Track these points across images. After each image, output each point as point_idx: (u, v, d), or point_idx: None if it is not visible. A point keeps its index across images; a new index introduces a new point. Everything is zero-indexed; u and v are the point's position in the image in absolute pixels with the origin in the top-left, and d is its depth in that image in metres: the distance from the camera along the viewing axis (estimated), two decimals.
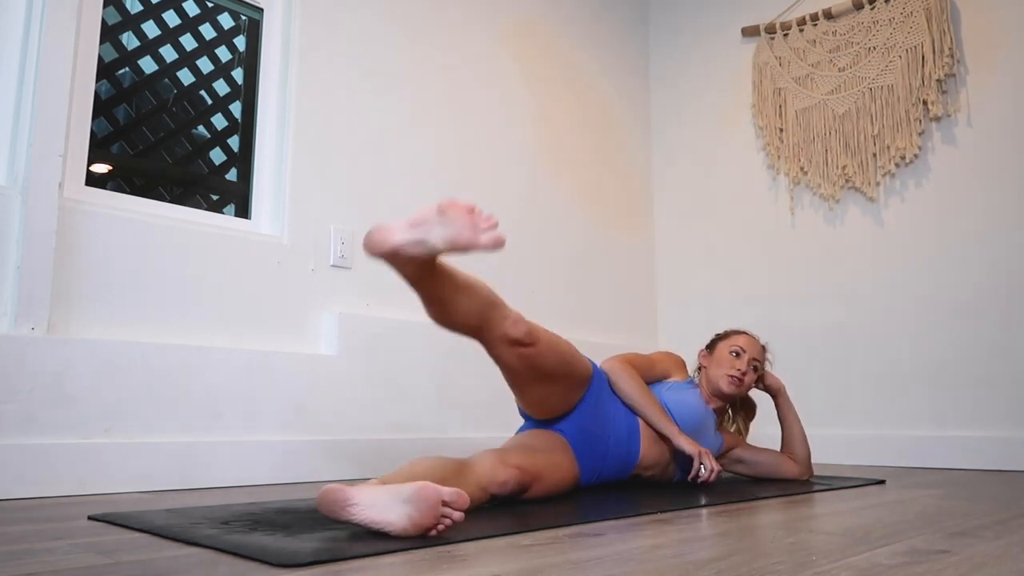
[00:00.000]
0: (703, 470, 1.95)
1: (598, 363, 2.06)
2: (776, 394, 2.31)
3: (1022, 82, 2.90)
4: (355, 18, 2.76)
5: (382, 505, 1.19)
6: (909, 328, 3.05)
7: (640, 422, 2.01)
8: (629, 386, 2.01)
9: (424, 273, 1.51)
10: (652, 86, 4.01)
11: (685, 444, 1.98)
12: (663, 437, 2.01)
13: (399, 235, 1.39)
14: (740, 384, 2.15)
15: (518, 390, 1.85)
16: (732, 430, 2.33)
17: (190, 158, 2.45)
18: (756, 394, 2.35)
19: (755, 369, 2.20)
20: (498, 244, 1.31)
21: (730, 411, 2.36)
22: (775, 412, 2.33)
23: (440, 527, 1.19)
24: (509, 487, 1.58)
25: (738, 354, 2.18)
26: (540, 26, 3.46)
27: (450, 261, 1.57)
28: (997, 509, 1.61)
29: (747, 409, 2.38)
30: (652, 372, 2.14)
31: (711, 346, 2.27)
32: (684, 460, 2.06)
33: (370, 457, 2.45)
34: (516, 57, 3.33)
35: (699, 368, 2.26)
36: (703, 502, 1.72)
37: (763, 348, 2.26)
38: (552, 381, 1.80)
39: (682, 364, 2.25)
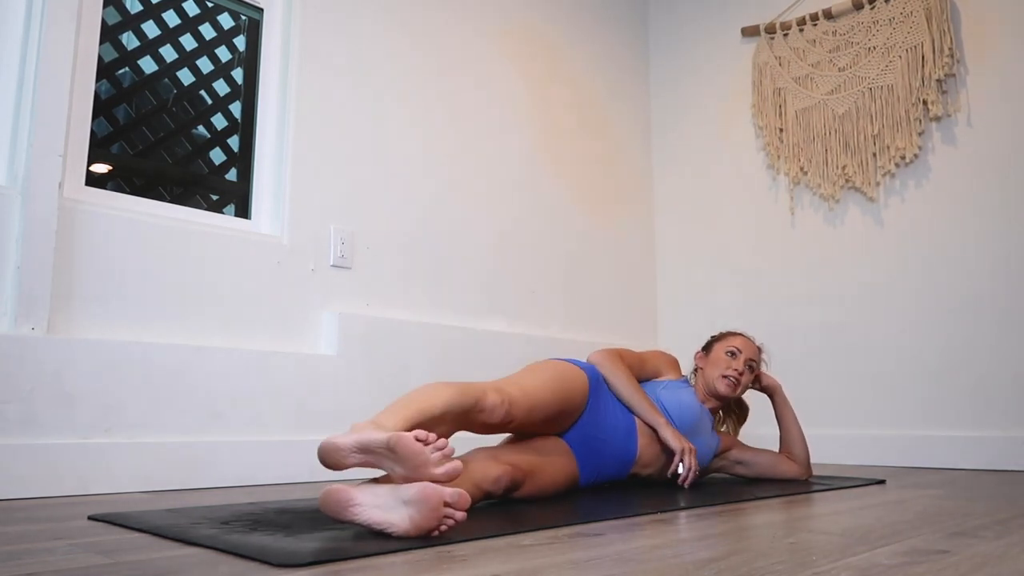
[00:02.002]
0: (681, 468, 1.94)
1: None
2: (773, 394, 2.31)
3: (1022, 82, 2.90)
4: (355, 18, 2.76)
5: (384, 506, 1.19)
6: (909, 328, 3.05)
7: (637, 421, 2.01)
8: (616, 377, 2.01)
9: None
10: (652, 86, 4.01)
11: (670, 437, 1.97)
12: (651, 428, 2.01)
13: (350, 459, 1.28)
14: (736, 385, 2.15)
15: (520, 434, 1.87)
16: (723, 430, 2.33)
17: (190, 158, 2.45)
18: (753, 395, 2.35)
19: (751, 369, 2.19)
20: (452, 476, 1.23)
21: (721, 413, 2.35)
22: (772, 413, 2.33)
23: (442, 528, 1.19)
24: (503, 483, 1.58)
25: (734, 354, 2.18)
26: (540, 25, 3.46)
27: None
28: (997, 509, 1.61)
29: (740, 411, 2.37)
30: (643, 369, 2.14)
31: (707, 347, 2.27)
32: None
33: None
34: (515, 58, 3.33)
35: (695, 370, 2.26)
36: (702, 502, 1.72)
37: (759, 349, 2.25)
38: (546, 425, 1.82)
39: (675, 364, 2.24)
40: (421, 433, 1.24)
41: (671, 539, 1.23)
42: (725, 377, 2.14)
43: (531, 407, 1.73)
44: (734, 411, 2.37)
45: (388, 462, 1.26)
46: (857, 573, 0.97)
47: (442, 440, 1.25)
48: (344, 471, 1.32)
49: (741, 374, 2.15)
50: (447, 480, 1.23)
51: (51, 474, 1.85)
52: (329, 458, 1.29)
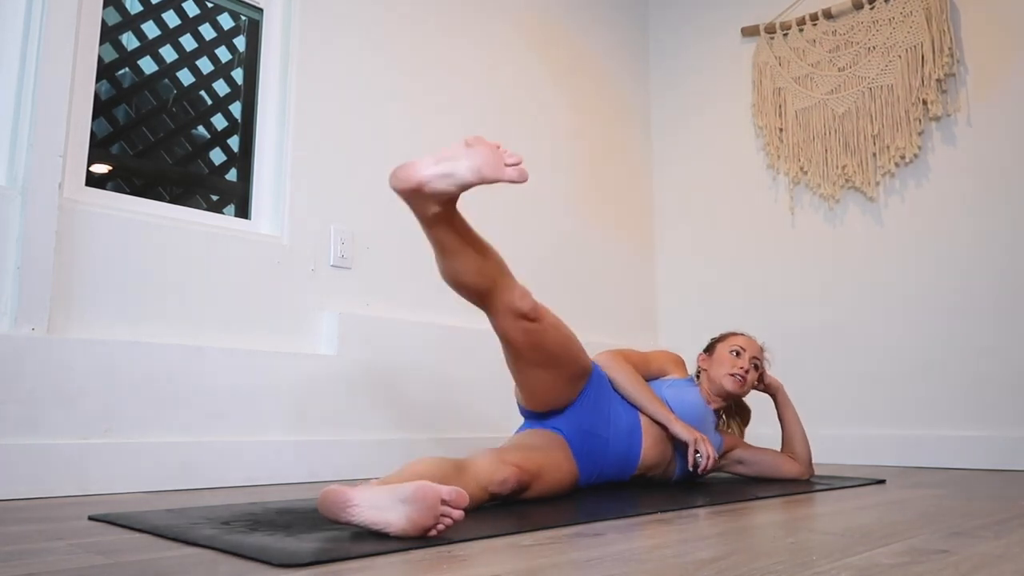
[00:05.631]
0: (700, 458, 1.95)
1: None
2: (775, 394, 2.31)
3: (1022, 82, 2.90)
4: (355, 17, 2.76)
5: (382, 505, 1.19)
6: (909, 328, 3.05)
7: (642, 422, 2.00)
8: (621, 375, 2.01)
9: (445, 215, 1.54)
10: (652, 86, 4.01)
11: (681, 430, 1.98)
12: (660, 425, 2.01)
13: (426, 169, 1.43)
14: (743, 382, 2.15)
15: (518, 372, 1.84)
16: (728, 431, 2.33)
17: (190, 158, 2.45)
18: (754, 395, 2.35)
19: (756, 367, 2.20)
20: (522, 177, 1.37)
21: (724, 415, 2.36)
22: (774, 412, 2.33)
23: (440, 527, 1.19)
24: (508, 485, 1.58)
25: (738, 353, 2.18)
26: (539, 26, 3.46)
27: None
28: (997, 509, 1.61)
29: (742, 413, 2.38)
30: (647, 368, 2.14)
31: (709, 348, 2.28)
32: (685, 456, 2.06)
33: (370, 457, 2.45)
34: (515, 58, 3.33)
35: (699, 372, 2.27)
36: (702, 502, 1.72)
37: (761, 348, 2.26)
38: (552, 365, 1.81)
39: (680, 362, 2.25)
40: (496, 142, 1.41)
41: (671, 539, 1.23)
42: (732, 375, 2.14)
43: (554, 322, 1.77)
44: (736, 414, 2.38)
45: (463, 160, 1.42)
46: (857, 573, 0.97)
47: (513, 151, 1.43)
48: (413, 186, 1.47)
49: (747, 371, 2.16)
50: (518, 180, 1.42)
51: (51, 474, 1.85)
52: (404, 170, 1.46)
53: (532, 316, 1.70)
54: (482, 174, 1.42)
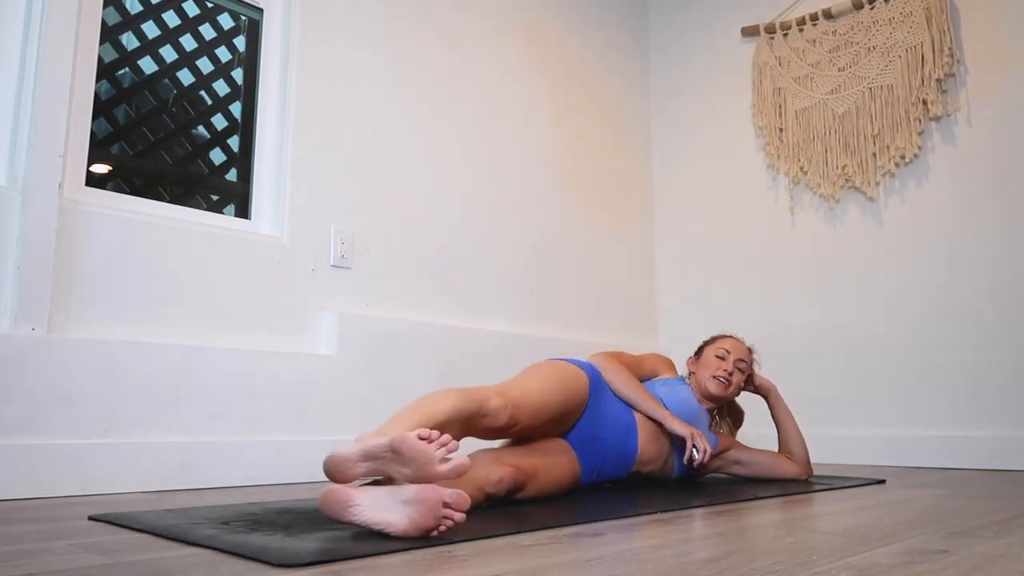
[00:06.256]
0: (696, 452, 1.96)
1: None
2: (767, 395, 2.32)
3: (1022, 82, 2.90)
4: (355, 18, 2.76)
5: (383, 506, 1.19)
6: (909, 328, 3.05)
7: (637, 419, 2.01)
8: (616, 376, 2.03)
9: None
10: (652, 86, 4.01)
11: (677, 426, 1.99)
12: (656, 423, 2.02)
13: (357, 469, 1.29)
14: (727, 384, 2.16)
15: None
16: (721, 432, 2.34)
17: (190, 158, 2.45)
18: (749, 396, 2.35)
19: (741, 370, 2.21)
20: (460, 473, 1.22)
21: (717, 418, 2.37)
22: (769, 414, 2.33)
23: (441, 528, 1.19)
24: (505, 485, 1.58)
25: (723, 356, 2.20)
26: (539, 26, 3.46)
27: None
28: (997, 509, 1.61)
29: (734, 415, 2.39)
30: (640, 369, 2.16)
31: (698, 352, 2.29)
32: (682, 453, 2.07)
33: None
34: (516, 58, 3.33)
35: (689, 374, 2.28)
36: (702, 502, 1.72)
37: (749, 350, 2.27)
38: (550, 426, 1.82)
39: (671, 364, 2.27)
40: (424, 431, 1.24)
41: (671, 539, 1.23)
42: (715, 378, 2.16)
43: (536, 410, 1.72)
44: (728, 415, 2.38)
45: (394, 465, 1.25)
46: (857, 573, 0.97)
47: (446, 436, 1.25)
48: (352, 482, 1.32)
49: (731, 374, 2.17)
50: (454, 477, 1.23)
51: (51, 474, 1.85)
52: (336, 471, 1.30)
53: (512, 423, 1.66)
54: (415, 481, 1.24)
